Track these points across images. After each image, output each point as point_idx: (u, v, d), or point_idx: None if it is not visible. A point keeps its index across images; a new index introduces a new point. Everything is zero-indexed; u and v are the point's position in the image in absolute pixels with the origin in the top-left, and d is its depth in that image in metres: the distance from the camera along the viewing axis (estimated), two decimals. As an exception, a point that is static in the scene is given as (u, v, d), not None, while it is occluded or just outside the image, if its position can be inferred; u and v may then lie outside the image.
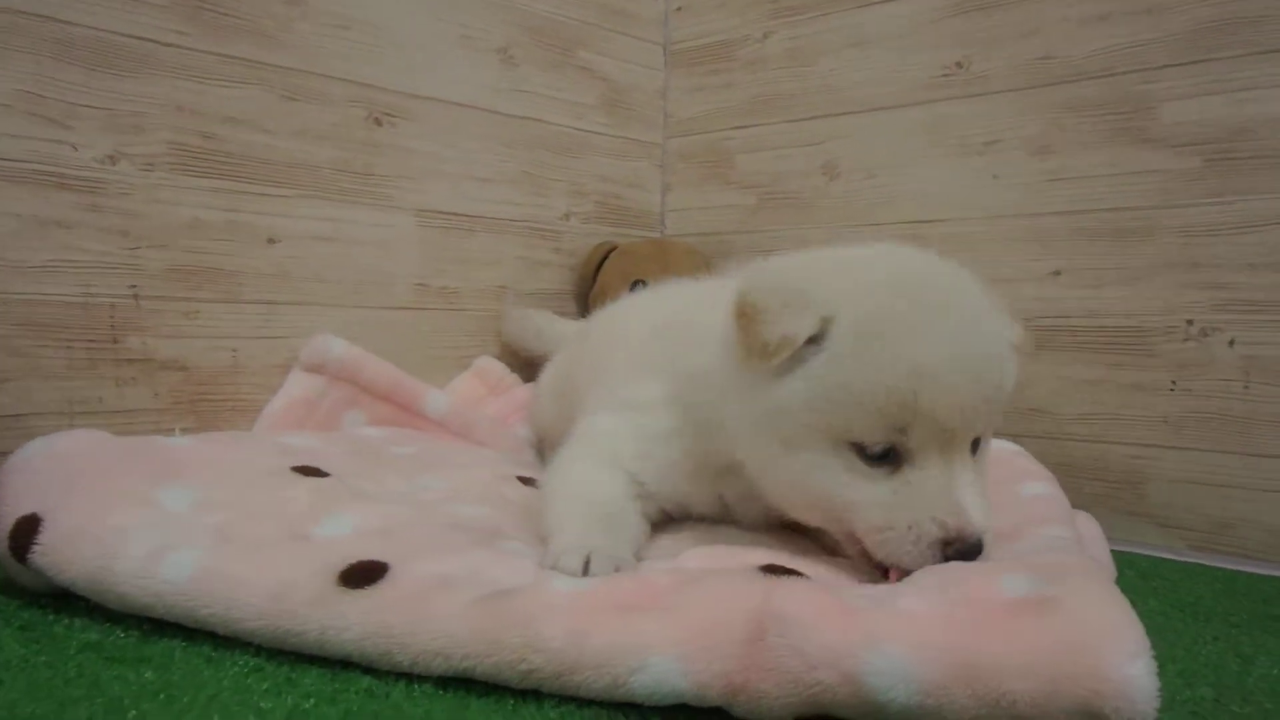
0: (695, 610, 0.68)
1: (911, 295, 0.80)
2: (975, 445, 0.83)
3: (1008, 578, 0.70)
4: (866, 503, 0.81)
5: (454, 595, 0.73)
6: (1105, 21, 1.37)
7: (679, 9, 1.92)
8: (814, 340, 0.80)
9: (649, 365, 1.02)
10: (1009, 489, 1.11)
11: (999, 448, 1.29)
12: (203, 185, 1.30)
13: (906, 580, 0.76)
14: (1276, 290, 1.24)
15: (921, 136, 1.57)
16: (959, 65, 1.52)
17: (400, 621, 0.71)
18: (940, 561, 0.78)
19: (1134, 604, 0.99)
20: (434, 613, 0.71)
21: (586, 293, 1.76)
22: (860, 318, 0.79)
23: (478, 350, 1.65)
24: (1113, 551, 1.22)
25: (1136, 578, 1.15)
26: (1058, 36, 1.42)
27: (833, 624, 0.65)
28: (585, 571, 0.79)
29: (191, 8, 1.28)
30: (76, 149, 1.19)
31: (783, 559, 0.84)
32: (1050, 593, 0.67)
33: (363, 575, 0.76)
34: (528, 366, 1.66)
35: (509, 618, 0.70)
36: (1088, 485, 1.38)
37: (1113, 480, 1.37)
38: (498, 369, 1.65)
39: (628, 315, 1.24)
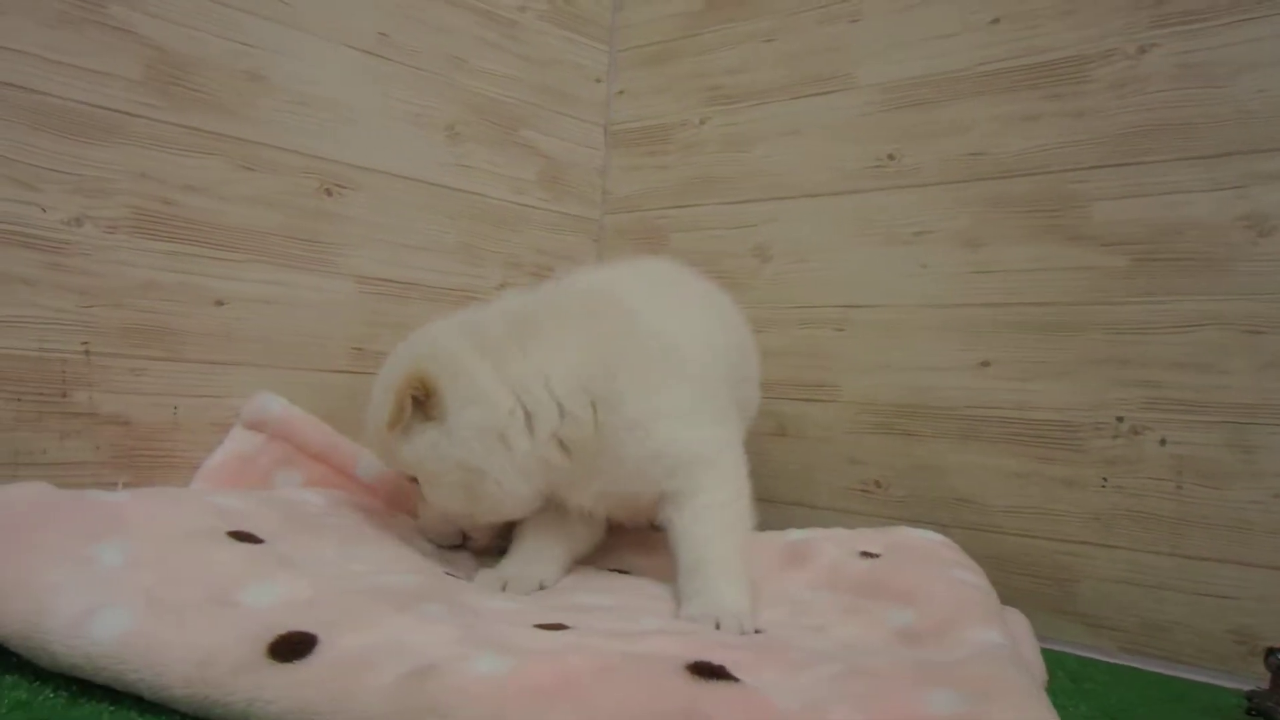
0: (614, 705, 0.66)
1: None
2: None
3: (935, 693, 0.67)
4: None
5: (378, 673, 0.72)
6: (1035, 123, 1.40)
7: (620, 92, 1.93)
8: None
9: None
10: (942, 573, 1.08)
11: (924, 538, 1.25)
12: (159, 248, 1.35)
13: (833, 682, 0.73)
14: (1205, 391, 1.24)
15: (852, 224, 1.58)
16: (890, 157, 1.54)
17: (324, 699, 0.71)
18: None
19: (1064, 709, 0.98)
20: (358, 691, 0.71)
21: None
22: None
23: (413, 415, 1.66)
24: (1042, 650, 1.19)
25: (1067, 680, 1.12)
26: (988, 135, 1.44)
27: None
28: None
29: (164, 82, 1.34)
30: (45, 210, 1.24)
31: (712, 649, 0.79)
32: (980, 712, 0.63)
33: (291, 648, 0.75)
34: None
35: (428, 700, 0.69)
36: (1016, 580, 1.35)
37: (1042, 576, 1.34)
38: None
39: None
